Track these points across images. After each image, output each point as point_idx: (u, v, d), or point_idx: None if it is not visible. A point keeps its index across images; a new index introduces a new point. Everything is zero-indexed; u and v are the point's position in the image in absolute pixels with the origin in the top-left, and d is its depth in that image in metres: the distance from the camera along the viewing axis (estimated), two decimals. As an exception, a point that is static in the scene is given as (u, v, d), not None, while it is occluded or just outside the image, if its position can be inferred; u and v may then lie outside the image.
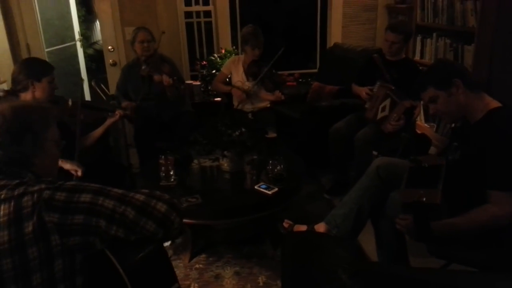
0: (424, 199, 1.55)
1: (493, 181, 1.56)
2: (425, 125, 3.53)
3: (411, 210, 1.62)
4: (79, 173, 2.20)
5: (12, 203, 1.05)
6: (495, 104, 1.65)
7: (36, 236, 1.04)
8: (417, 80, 1.79)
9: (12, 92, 2.32)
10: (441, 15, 3.56)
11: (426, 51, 3.81)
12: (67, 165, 2.21)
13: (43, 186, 1.09)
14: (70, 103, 2.50)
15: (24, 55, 3.82)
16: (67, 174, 2.19)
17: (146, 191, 1.18)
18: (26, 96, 2.27)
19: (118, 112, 2.71)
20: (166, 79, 3.17)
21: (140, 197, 1.13)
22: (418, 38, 3.89)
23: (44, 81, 2.31)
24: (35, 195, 1.06)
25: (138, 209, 1.10)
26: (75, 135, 2.33)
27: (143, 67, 3.26)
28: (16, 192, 1.07)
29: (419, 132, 3.27)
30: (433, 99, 1.70)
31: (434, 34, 3.65)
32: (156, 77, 3.21)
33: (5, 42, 3.68)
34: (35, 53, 3.81)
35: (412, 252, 2.01)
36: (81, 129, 2.39)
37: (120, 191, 1.14)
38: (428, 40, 3.75)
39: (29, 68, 2.32)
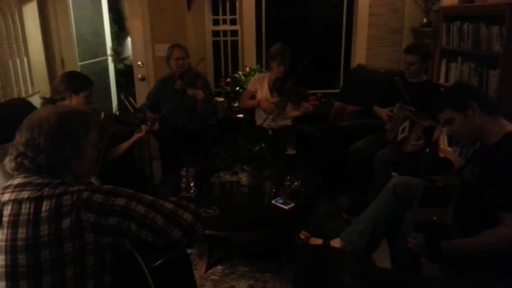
0: (435, 218, 1.56)
1: (506, 204, 1.55)
2: (449, 149, 3.51)
3: (422, 229, 1.63)
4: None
5: (54, 200, 1.13)
6: (511, 127, 1.65)
7: (72, 233, 1.12)
8: (435, 101, 1.81)
9: (51, 101, 2.44)
10: (467, 39, 3.56)
11: (450, 75, 3.80)
12: None
13: (82, 187, 1.17)
14: (102, 116, 2.62)
15: (59, 68, 4.02)
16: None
17: (174, 199, 1.26)
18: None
19: (144, 127, 2.82)
20: (199, 93, 3.32)
21: (169, 205, 1.21)
22: (443, 62, 3.89)
23: (81, 95, 2.44)
24: (75, 195, 1.14)
25: (166, 216, 1.19)
26: (100, 148, 2.43)
27: (177, 82, 3.42)
28: (57, 191, 1.15)
29: (441, 155, 3.25)
30: (449, 121, 1.72)
31: (459, 58, 3.65)
32: (190, 91, 3.37)
33: (42, 55, 3.89)
34: (69, 67, 4.01)
35: (426, 272, 1.99)
36: (109, 142, 2.50)
37: (151, 198, 1.22)
38: (453, 64, 3.75)
39: (70, 81, 2.45)
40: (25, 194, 1.14)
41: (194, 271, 2.44)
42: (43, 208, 1.13)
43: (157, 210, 1.19)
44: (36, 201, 1.13)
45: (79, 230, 1.12)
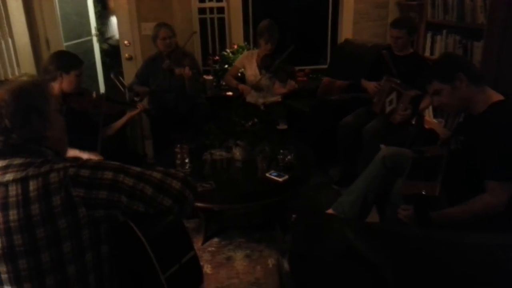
0: (424, 191, 1.64)
1: (489, 172, 1.63)
2: (434, 120, 3.60)
3: (412, 202, 1.70)
4: None
5: (40, 179, 1.14)
6: (497, 97, 1.72)
7: (64, 209, 1.13)
8: (423, 73, 1.87)
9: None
10: (451, 12, 3.60)
11: (436, 48, 3.85)
12: (85, 155, 2.32)
13: (67, 164, 1.17)
14: (94, 95, 2.62)
15: (44, 48, 3.95)
16: None
17: (162, 169, 1.25)
18: (54, 86, 2.39)
19: (139, 106, 2.83)
20: (187, 72, 3.29)
21: (157, 175, 1.21)
22: (429, 35, 3.94)
23: (72, 74, 2.44)
24: (61, 172, 1.15)
25: (155, 186, 1.19)
26: (97, 126, 2.45)
27: (165, 62, 3.39)
28: (42, 169, 1.15)
29: (427, 127, 3.34)
30: (437, 91, 1.77)
31: (444, 31, 3.70)
32: (177, 70, 3.34)
33: (26, 36, 3.82)
34: (54, 47, 3.94)
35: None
36: (103, 123, 2.51)
37: (138, 169, 1.22)
38: (438, 37, 3.80)
39: (60, 60, 2.44)
40: (9, 177, 1.14)
41: (192, 244, 2.53)
42: (31, 188, 1.13)
43: (145, 181, 1.19)
44: (22, 182, 1.14)
45: (71, 205, 1.14)
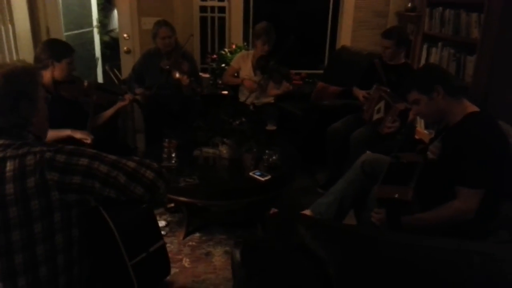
0: (397, 195, 1.68)
1: (461, 178, 1.68)
2: (425, 131, 3.64)
3: (384, 205, 1.75)
4: (89, 141, 2.37)
5: (17, 161, 1.19)
6: (472, 108, 1.78)
7: (38, 191, 1.18)
8: (404, 82, 1.91)
9: None
10: (447, 25, 3.65)
11: (431, 60, 3.89)
12: (77, 134, 2.39)
13: (45, 148, 1.22)
14: (85, 84, 2.66)
15: (44, 37, 3.99)
16: (76, 142, 2.35)
17: (137, 158, 1.30)
18: (46, 74, 2.43)
19: (127, 97, 2.85)
20: (185, 80, 3.26)
21: (131, 164, 1.26)
22: (425, 47, 3.99)
23: (63, 62, 2.47)
24: (38, 155, 1.19)
25: (128, 174, 1.23)
26: (87, 114, 2.49)
27: (164, 61, 3.37)
28: (20, 151, 1.20)
29: (417, 137, 3.38)
30: (416, 101, 1.83)
31: (440, 44, 3.75)
32: (175, 75, 3.29)
33: (27, 23, 3.85)
34: (54, 36, 3.97)
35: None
36: (94, 110, 2.55)
37: (113, 157, 1.27)
38: (434, 49, 3.85)
39: (51, 49, 2.48)
40: None
41: (173, 237, 2.57)
42: (7, 168, 1.18)
43: (119, 169, 1.23)
44: (0, 162, 1.19)
45: (44, 188, 1.18)
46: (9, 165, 1.18)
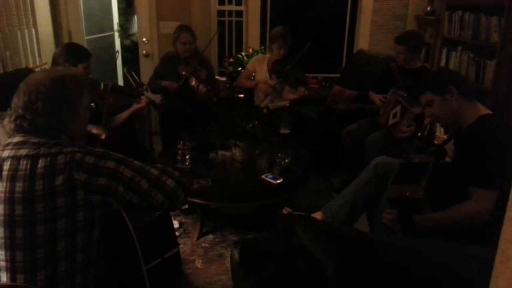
0: (407, 194, 1.66)
1: (476, 179, 1.66)
2: (444, 136, 3.59)
3: (395, 204, 1.73)
4: (103, 137, 2.43)
5: (48, 159, 1.24)
6: (485, 111, 1.76)
7: (65, 189, 1.23)
8: (418, 84, 1.90)
9: None
10: (467, 29, 3.60)
11: (450, 64, 3.84)
12: (93, 129, 2.45)
13: (76, 149, 1.27)
14: (102, 86, 2.71)
15: (66, 40, 4.10)
16: (91, 137, 2.42)
17: (160, 166, 1.35)
18: None
19: (144, 99, 2.89)
20: (201, 88, 3.30)
21: (154, 171, 1.31)
22: (444, 51, 3.93)
23: (79, 66, 2.53)
24: (68, 156, 1.25)
25: (151, 181, 1.29)
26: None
27: (181, 66, 3.39)
28: (53, 150, 1.25)
29: (436, 142, 3.33)
30: (429, 103, 1.81)
31: (459, 47, 3.69)
32: (192, 82, 3.32)
33: (49, 27, 3.97)
34: (75, 39, 4.09)
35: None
36: (108, 111, 2.60)
37: (138, 163, 1.32)
38: (453, 53, 3.79)
39: (68, 53, 2.54)
40: (23, 152, 1.25)
41: (187, 238, 2.60)
42: (39, 165, 1.23)
43: (143, 175, 1.28)
44: (33, 158, 1.24)
45: (71, 187, 1.23)
46: (41, 163, 1.23)
